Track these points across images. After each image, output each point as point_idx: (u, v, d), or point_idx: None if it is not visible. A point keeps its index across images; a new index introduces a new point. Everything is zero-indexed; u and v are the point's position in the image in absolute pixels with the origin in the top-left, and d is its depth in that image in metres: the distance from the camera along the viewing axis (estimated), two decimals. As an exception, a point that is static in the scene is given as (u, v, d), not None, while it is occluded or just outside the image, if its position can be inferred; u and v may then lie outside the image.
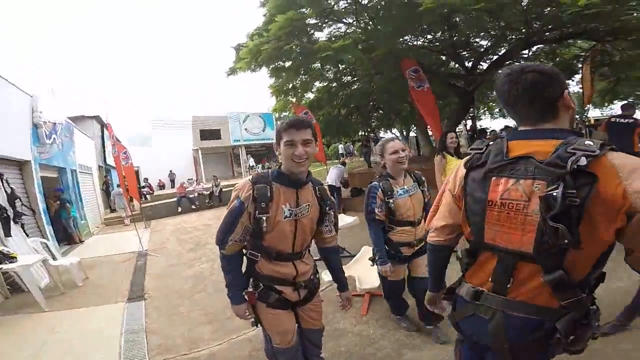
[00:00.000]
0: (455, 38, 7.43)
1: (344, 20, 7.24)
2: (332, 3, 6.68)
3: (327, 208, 1.61)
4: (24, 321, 3.51)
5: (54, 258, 4.98)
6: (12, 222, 4.88)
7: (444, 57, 9.84)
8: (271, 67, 7.00)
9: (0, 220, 4.52)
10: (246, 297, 1.53)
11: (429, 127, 7.22)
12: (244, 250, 1.57)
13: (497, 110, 21.31)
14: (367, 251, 3.28)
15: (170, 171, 20.78)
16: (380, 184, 2.19)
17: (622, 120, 4.37)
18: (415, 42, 7.92)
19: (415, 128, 17.92)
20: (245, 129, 24.01)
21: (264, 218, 1.42)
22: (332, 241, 1.72)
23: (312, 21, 6.66)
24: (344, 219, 4.54)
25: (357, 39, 6.27)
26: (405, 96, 9.85)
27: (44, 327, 3.32)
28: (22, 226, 5.28)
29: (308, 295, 1.66)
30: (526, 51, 8.28)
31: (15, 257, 3.99)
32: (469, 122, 15.53)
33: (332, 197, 1.71)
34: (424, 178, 2.38)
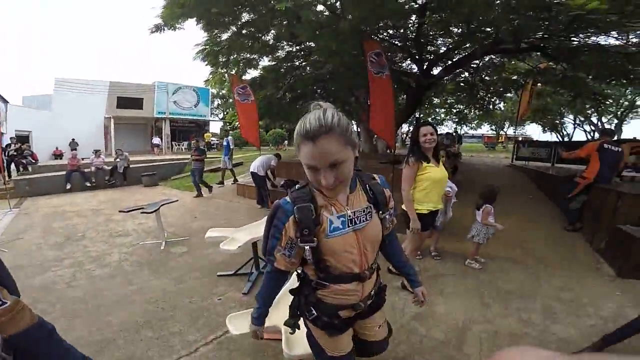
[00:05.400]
0: (419, 32, 7.03)
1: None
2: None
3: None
4: None
5: None
6: None
7: (399, 55, 9.62)
8: (205, 18, 5.74)
9: None
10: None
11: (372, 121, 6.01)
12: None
13: (442, 114, 20.08)
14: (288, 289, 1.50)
15: (73, 140, 17.02)
16: None
17: (613, 148, 4.37)
18: (378, 35, 7.48)
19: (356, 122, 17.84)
20: (175, 102, 21.33)
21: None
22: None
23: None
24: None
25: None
26: (356, 85, 9.33)
27: None
28: None
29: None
30: (477, 61, 8.59)
31: None
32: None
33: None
34: None
